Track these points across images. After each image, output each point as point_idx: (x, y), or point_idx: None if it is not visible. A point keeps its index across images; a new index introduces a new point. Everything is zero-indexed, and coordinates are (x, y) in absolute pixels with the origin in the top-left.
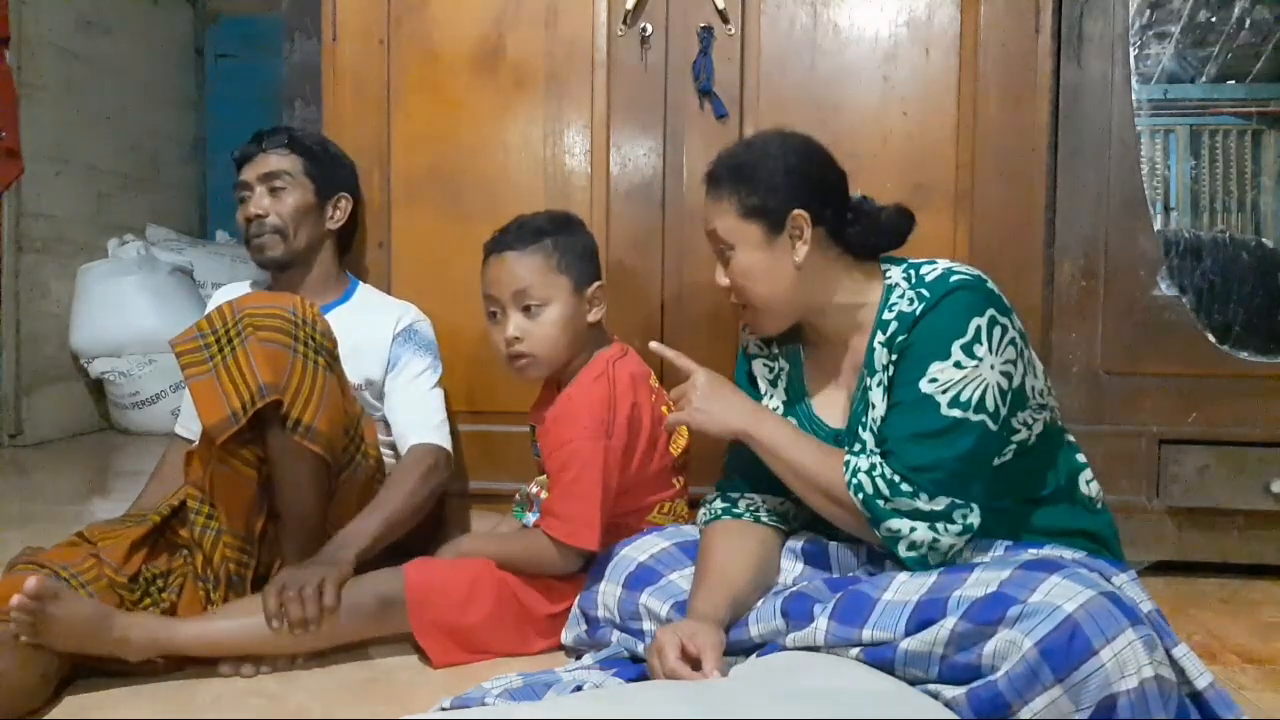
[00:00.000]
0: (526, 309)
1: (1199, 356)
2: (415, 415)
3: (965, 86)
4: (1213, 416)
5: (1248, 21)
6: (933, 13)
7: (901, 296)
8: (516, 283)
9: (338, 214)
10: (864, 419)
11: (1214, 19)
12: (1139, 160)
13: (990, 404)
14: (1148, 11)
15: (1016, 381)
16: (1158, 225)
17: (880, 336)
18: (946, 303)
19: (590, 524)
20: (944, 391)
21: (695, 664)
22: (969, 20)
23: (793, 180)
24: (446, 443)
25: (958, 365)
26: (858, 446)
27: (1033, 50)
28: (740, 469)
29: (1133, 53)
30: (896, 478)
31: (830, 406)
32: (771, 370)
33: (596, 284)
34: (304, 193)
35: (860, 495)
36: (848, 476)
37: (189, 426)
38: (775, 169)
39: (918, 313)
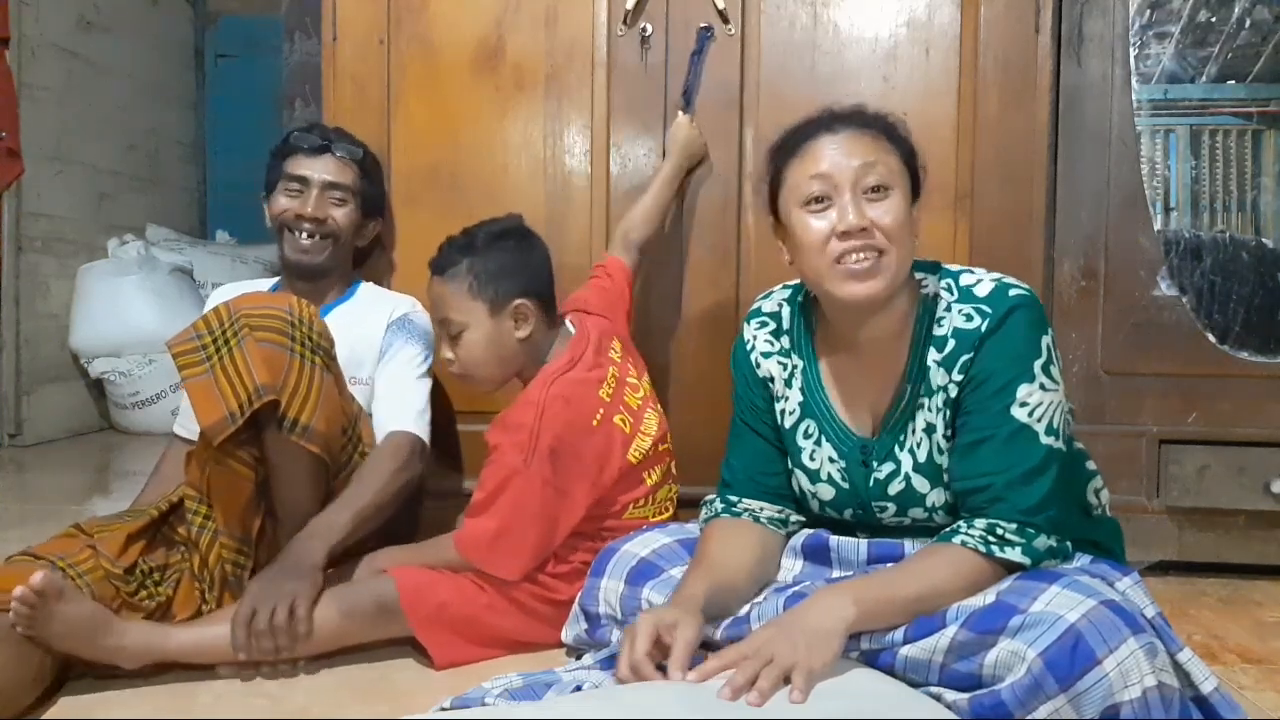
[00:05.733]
0: (452, 335)
1: (1199, 356)
2: (395, 401)
3: (965, 86)
4: (1213, 416)
5: (1248, 21)
6: (933, 13)
7: (949, 310)
8: (438, 310)
9: (365, 235)
10: (903, 437)
11: (1214, 19)
12: (1139, 160)
13: (1065, 428)
14: (1148, 11)
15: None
16: (1158, 225)
17: (935, 354)
18: (1013, 321)
19: (482, 544)
20: (1039, 420)
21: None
22: (969, 20)
23: (915, 153)
24: (424, 433)
25: (1043, 388)
26: (926, 489)
27: (1033, 50)
28: (736, 480)
29: (1133, 53)
30: (1013, 526)
31: (857, 413)
32: (785, 367)
33: (516, 302)
34: (353, 209)
35: (1006, 553)
36: (980, 547)
37: (188, 426)
38: (909, 141)
39: (982, 330)
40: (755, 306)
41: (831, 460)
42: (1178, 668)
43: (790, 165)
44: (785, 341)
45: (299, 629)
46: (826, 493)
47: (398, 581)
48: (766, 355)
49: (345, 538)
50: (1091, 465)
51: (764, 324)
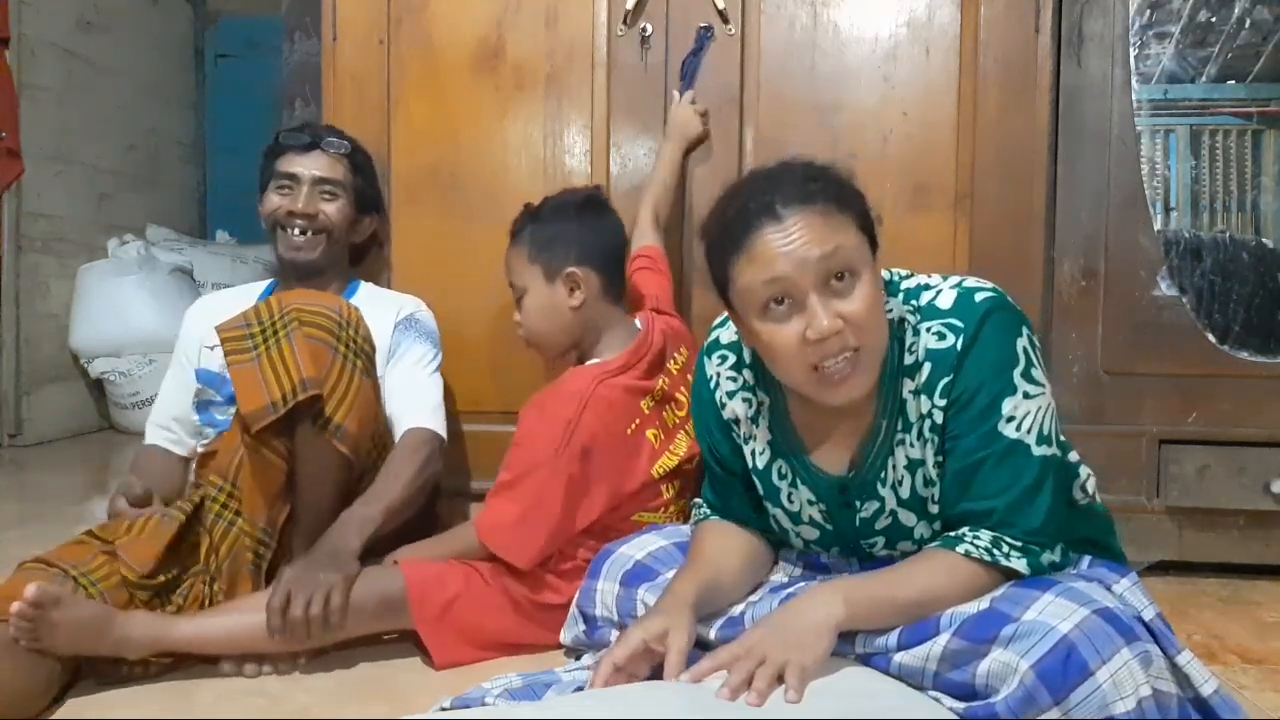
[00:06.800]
0: (518, 299)
1: (1199, 356)
2: (411, 399)
3: (965, 86)
4: (1213, 416)
5: (1248, 21)
6: (933, 13)
7: (917, 334)
8: (507, 274)
9: (363, 230)
10: (884, 474)
11: (1214, 19)
12: (1139, 160)
13: (1055, 430)
14: (1148, 11)
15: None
16: (1158, 225)
17: (909, 384)
18: (987, 330)
19: (502, 527)
20: (1028, 431)
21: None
22: (969, 20)
23: (867, 206)
24: (442, 428)
25: (1027, 396)
26: (913, 522)
27: (1033, 50)
28: (720, 505)
29: (1133, 53)
30: (1019, 544)
31: (831, 452)
32: (751, 405)
33: (568, 269)
34: (345, 204)
35: (1011, 562)
36: (985, 556)
37: (166, 434)
38: (858, 194)
39: (958, 347)
40: (713, 337)
41: (811, 502)
42: (1177, 670)
43: (737, 264)
44: (748, 375)
45: (333, 618)
46: (810, 533)
47: (406, 575)
48: (731, 394)
49: (377, 530)
50: (1075, 457)
51: (724, 358)
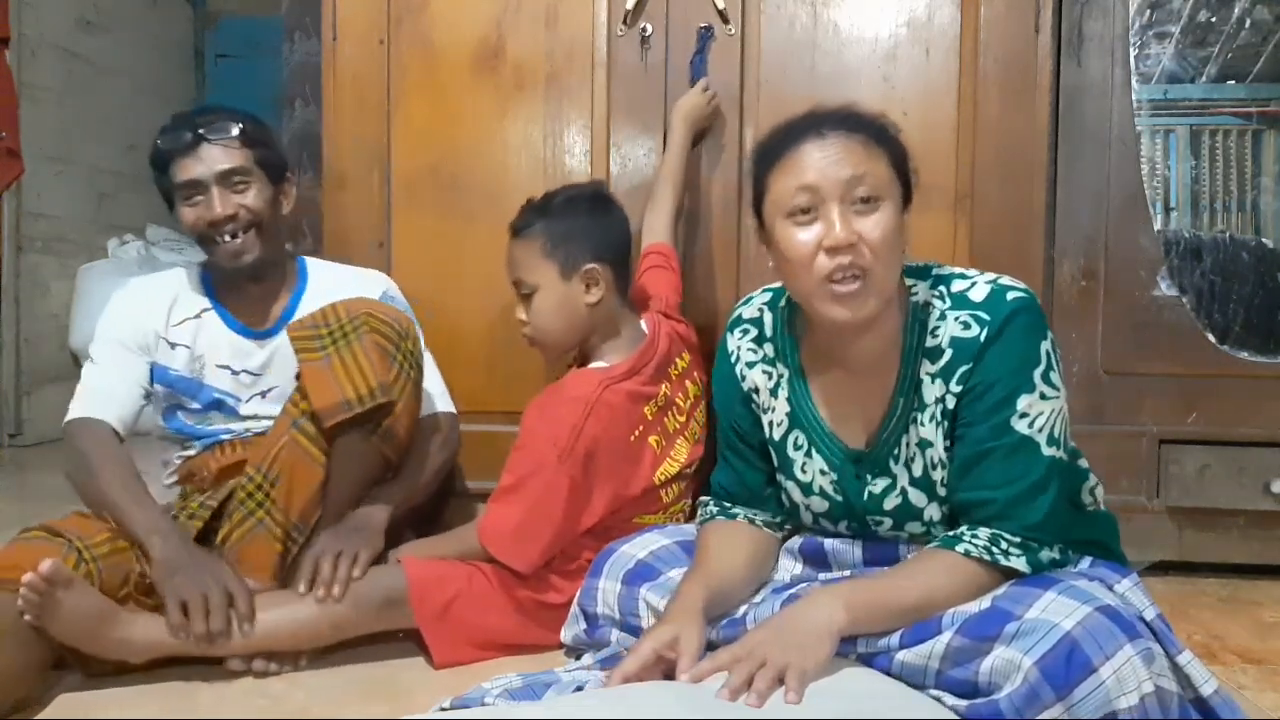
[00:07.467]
0: (525, 296)
1: (1199, 356)
2: None
3: (965, 86)
4: (1213, 416)
5: (1248, 21)
6: (933, 13)
7: (942, 319)
8: (512, 271)
9: (287, 200)
10: (896, 451)
11: (1214, 19)
12: (1139, 160)
13: (1065, 436)
14: (1148, 11)
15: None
16: (1158, 225)
17: (929, 366)
18: (1012, 328)
19: (503, 531)
20: (1040, 430)
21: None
22: (969, 20)
23: (907, 156)
24: (450, 405)
25: (1044, 397)
26: (923, 503)
27: (1033, 50)
28: (728, 492)
29: (1133, 53)
30: (1017, 540)
31: (847, 425)
32: (771, 377)
33: (587, 266)
34: (262, 184)
35: (1010, 561)
36: (984, 555)
37: (121, 416)
38: (901, 144)
39: (981, 339)
40: (735, 314)
41: (823, 473)
42: (1177, 670)
43: (774, 173)
44: (769, 349)
45: (356, 574)
46: (820, 505)
47: (408, 573)
48: (751, 365)
49: (399, 509)
50: (1084, 463)
51: (746, 331)
